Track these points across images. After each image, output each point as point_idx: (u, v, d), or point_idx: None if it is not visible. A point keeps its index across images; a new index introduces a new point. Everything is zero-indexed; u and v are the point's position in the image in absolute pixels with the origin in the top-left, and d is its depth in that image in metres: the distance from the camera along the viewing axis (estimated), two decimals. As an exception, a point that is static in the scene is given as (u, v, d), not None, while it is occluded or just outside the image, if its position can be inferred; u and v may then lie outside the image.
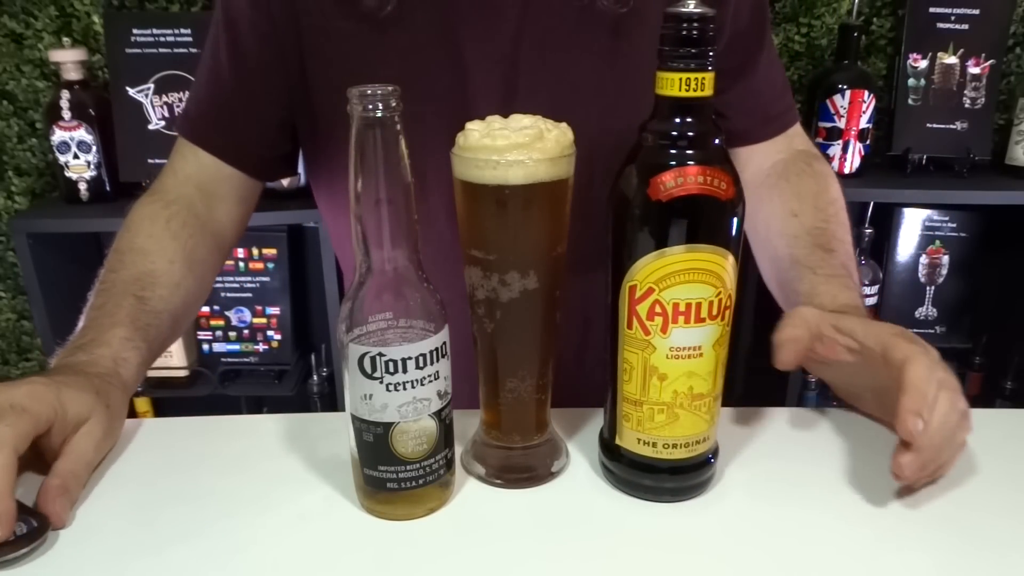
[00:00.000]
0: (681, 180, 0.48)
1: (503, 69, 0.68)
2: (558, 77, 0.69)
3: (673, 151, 0.49)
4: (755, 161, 0.80)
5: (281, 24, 0.69)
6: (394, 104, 0.47)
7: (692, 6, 0.47)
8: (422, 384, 0.50)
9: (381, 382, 0.49)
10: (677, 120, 0.49)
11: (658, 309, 0.50)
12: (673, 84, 0.48)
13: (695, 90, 0.48)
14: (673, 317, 0.50)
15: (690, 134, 0.49)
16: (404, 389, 0.50)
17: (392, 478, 0.52)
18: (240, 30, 0.71)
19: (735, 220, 0.50)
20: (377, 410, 0.50)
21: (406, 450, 0.51)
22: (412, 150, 0.50)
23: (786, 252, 0.72)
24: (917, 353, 0.53)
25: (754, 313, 1.45)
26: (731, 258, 0.50)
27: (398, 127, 0.47)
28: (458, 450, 0.61)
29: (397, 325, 0.50)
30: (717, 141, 0.50)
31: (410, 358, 0.49)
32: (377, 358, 0.49)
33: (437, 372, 0.51)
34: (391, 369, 0.49)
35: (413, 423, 0.51)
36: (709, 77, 0.48)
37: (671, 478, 0.55)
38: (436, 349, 0.50)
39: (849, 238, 0.74)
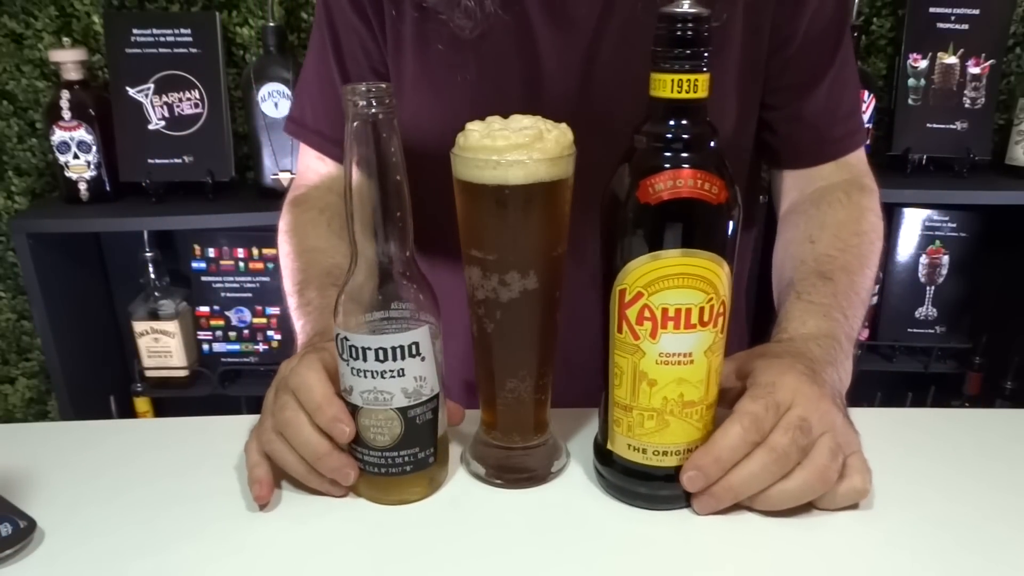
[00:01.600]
0: (670, 183, 0.47)
1: (577, 79, 0.68)
2: (632, 89, 0.69)
3: (665, 154, 0.48)
4: (799, 186, 0.77)
5: (377, 29, 0.72)
6: (388, 101, 0.48)
7: (686, 6, 0.46)
8: (383, 377, 0.51)
9: (348, 364, 0.51)
10: (670, 122, 0.48)
11: (647, 314, 0.49)
12: (665, 85, 0.47)
13: (688, 92, 0.47)
14: (662, 322, 0.49)
15: (683, 137, 0.48)
16: (365, 377, 0.51)
17: (360, 459, 0.54)
18: (343, 36, 0.74)
19: (729, 225, 0.49)
20: (347, 390, 0.53)
21: (368, 435, 0.53)
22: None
23: (789, 275, 0.71)
24: (742, 414, 0.51)
25: (753, 317, 1.44)
26: (724, 264, 0.49)
27: (392, 123, 0.49)
28: (458, 450, 0.61)
29: (373, 317, 0.52)
30: (712, 144, 0.49)
31: (370, 349, 0.50)
32: (344, 341, 0.51)
33: (402, 370, 0.51)
34: (354, 355, 0.51)
35: (374, 412, 0.52)
36: (703, 79, 0.47)
37: (664, 485, 0.53)
38: (401, 347, 0.51)
39: (867, 270, 0.70)
